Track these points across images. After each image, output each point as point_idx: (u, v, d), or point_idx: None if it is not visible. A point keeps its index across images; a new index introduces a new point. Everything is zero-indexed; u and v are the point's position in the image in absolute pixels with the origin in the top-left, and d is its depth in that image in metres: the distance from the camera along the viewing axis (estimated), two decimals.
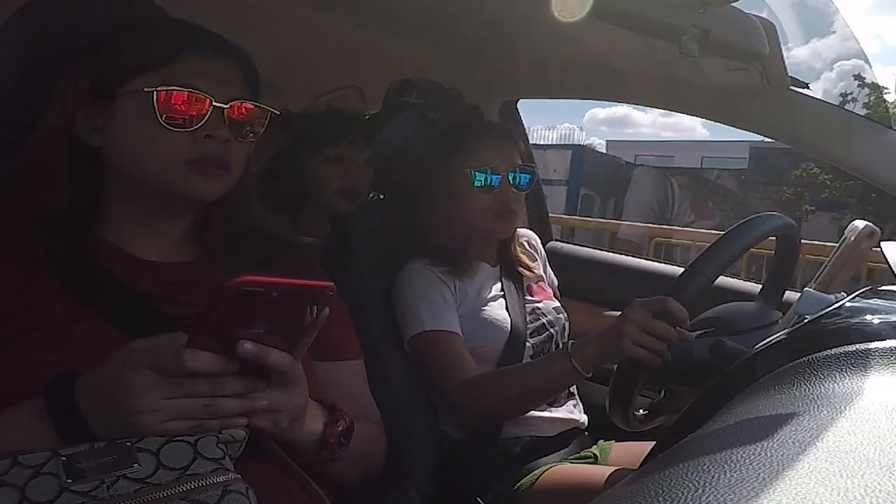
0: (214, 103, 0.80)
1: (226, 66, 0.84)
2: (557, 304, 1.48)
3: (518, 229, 1.53)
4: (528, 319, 1.39)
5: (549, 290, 1.51)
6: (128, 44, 0.82)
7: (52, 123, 0.81)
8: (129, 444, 0.61)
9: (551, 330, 1.41)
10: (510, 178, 1.36)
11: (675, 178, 14.23)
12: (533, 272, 1.49)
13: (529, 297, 1.44)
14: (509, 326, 1.34)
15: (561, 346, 1.42)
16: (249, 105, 0.84)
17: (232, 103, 0.81)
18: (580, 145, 18.53)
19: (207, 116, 0.79)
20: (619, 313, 1.08)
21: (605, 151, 20.38)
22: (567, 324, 1.47)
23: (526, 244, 1.56)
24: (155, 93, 0.77)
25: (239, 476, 0.64)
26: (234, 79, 0.84)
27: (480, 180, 1.35)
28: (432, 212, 1.39)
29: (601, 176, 16.25)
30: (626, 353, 1.03)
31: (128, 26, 0.84)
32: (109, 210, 0.84)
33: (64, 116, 0.81)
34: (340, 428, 0.81)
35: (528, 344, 1.35)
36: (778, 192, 15.70)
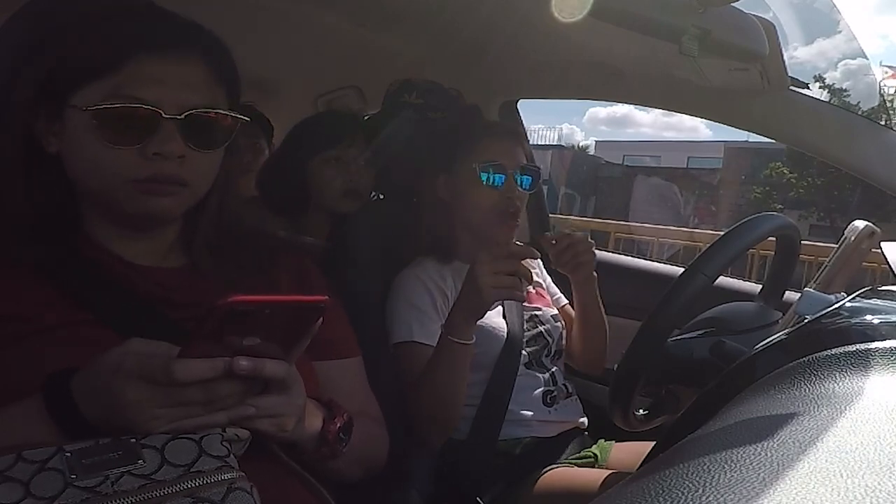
0: (165, 115, 0.73)
1: (187, 67, 0.76)
2: (556, 311, 1.47)
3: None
4: (525, 327, 1.38)
5: (548, 298, 1.51)
6: (75, 45, 0.75)
7: (8, 127, 0.77)
8: (133, 440, 0.62)
9: (548, 339, 1.40)
10: (515, 178, 1.35)
11: (659, 178, 14.49)
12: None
13: (528, 304, 1.43)
14: (505, 334, 1.32)
15: (555, 353, 1.42)
16: (211, 113, 0.77)
17: (188, 114, 0.75)
18: (561, 146, 19.27)
19: (157, 131, 0.73)
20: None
21: (593, 152, 20.87)
22: (564, 332, 1.46)
23: None
24: (96, 110, 0.72)
25: (243, 474, 0.64)
26: (196, 82, 0.77)
27: (486, 177, 1.33)
28: (431, 210, 1.37)
29: (583, 176, 16.47)
30: (490, 298, 1.07)
31: (76, 24, 0.77)
32: (90, 215, 0.81)
33: (18, 119, 0.77)
34: (339, 424, 0.81)
35: (524, 352, 1.35)
36: (749, 191, 15.87)
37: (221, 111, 0.79)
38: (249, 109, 1.92)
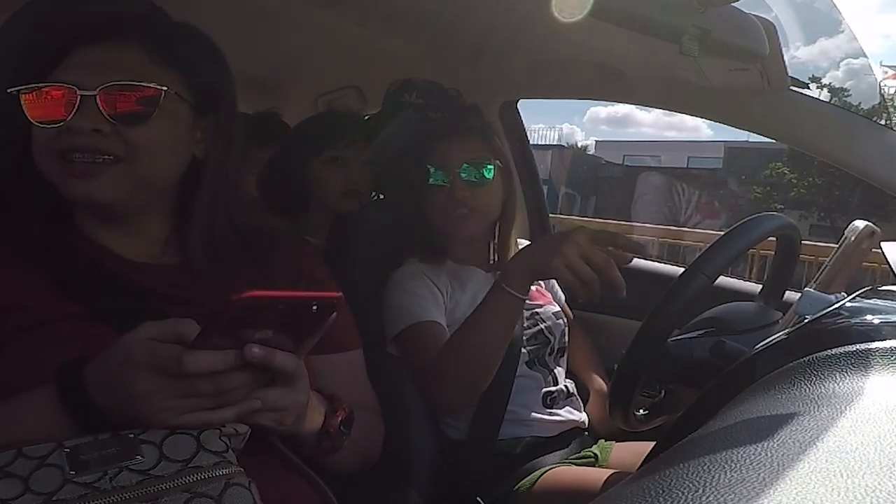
0: (79, 91, 0.76)
1: (119, 54, 0.79)
2: (557, 308, 1.47)
3: (519, 239, 1.49)
4: (525, 325, 1.38)
5: (549, 295, 1.50)
6: (38, 45, 0.81)
7: (7, 125, 0.80)
8: (132, 435, 0.62)
9: (549, 336, 1.40)
10: (461, 174, 1.32)
11: (660, 178, 14.60)
12: None
13: (529, 301, 1.42)
14: None
15: (557, 351, 1.42)
16: (122, 86, 0.77)
17: (101, 87, 0.76)
18: (561, 146, 19.47)
19: (75, 108, 0.76)
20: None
21: (593, 151, 20.98)
22: (566, 329, 1.46)
23: None
24: (19, 95, 0.77)
25: (241, 469, 0.64)
26: (124, 64, 0.79)
27: (431, 178, 1.33)
28: (415, 212, 1.39)
29: (583, 176, 16.52)
30: (556, 272, 1.02)
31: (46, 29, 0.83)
32: (81, 214, 0.83)
33: (20, 118, 0.79)
34: (340, 418, 0.81)
35: (524, 350, 1.35)
36: (749, 191, 15.90)
37: (136, 82, 0.78)
38: (275, 118, 1.92)
